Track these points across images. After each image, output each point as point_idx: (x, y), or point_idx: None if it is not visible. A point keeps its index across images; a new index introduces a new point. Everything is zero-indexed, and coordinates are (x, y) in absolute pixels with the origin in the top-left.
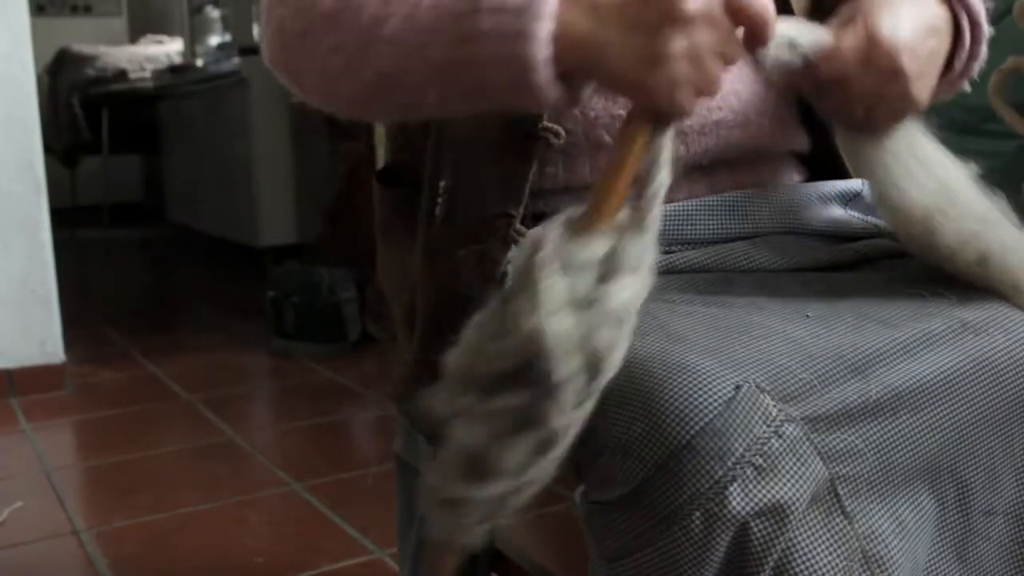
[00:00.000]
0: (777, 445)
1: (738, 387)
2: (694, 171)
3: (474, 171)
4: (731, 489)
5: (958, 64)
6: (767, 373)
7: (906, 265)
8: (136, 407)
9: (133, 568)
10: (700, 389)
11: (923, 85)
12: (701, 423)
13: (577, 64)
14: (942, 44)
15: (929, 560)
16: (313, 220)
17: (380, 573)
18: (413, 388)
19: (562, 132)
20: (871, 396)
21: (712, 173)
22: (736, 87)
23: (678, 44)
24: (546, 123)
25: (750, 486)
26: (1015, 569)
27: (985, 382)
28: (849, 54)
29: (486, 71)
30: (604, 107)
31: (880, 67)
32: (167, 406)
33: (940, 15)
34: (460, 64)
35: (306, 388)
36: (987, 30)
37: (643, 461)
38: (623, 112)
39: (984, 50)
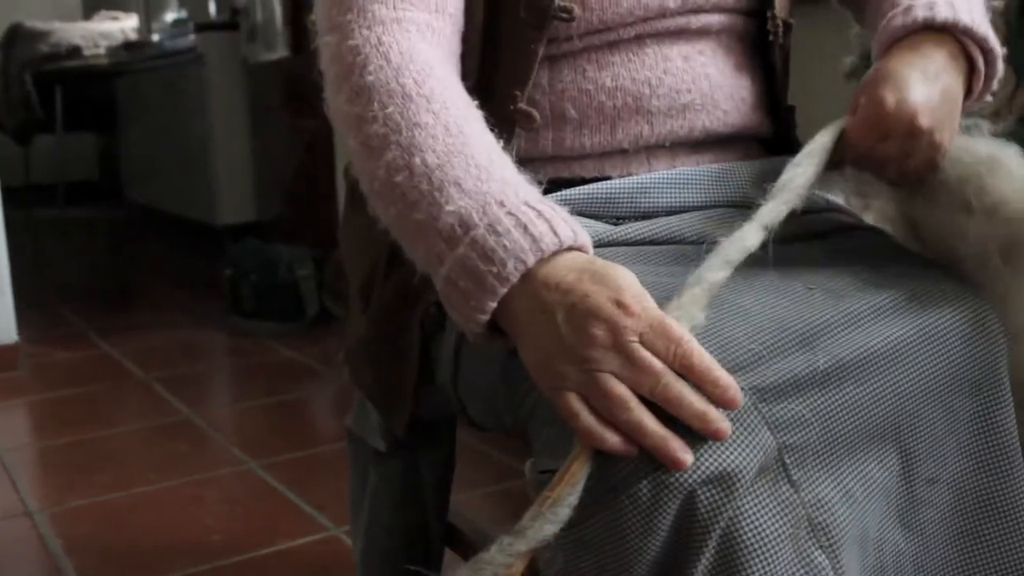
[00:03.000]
0: (725, 414)
1: None
2: (657, 150)
3: None
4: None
5: (976, 89)
6: (715, 343)
7: (855, 239)
8: (91, 387)
9: (87, 548)
10: None
11: (945, 129)
12: None
13: (504, 331)
14: (956, 81)
15: (879, 527)
16: (272, 198)
17: (336, 550)
18: (369, 353)
19: (536, 117)
20: (818, 366)
21: (675, 154)
22: (708, 70)
23: (576, 380)
24: (520, 105)
25: (697, 454)
26: (955, 537)
27: (930, 353)
28: (861, 137)
29: (438, 273)
30: (573, 80)
31: (898, 134)
32: (123, 386)
33: (946, 55)
34: (427, 257)
35: (264, 366)
36: (998, 49)
37: None
38: (591, 87)
39: (1000, 67)
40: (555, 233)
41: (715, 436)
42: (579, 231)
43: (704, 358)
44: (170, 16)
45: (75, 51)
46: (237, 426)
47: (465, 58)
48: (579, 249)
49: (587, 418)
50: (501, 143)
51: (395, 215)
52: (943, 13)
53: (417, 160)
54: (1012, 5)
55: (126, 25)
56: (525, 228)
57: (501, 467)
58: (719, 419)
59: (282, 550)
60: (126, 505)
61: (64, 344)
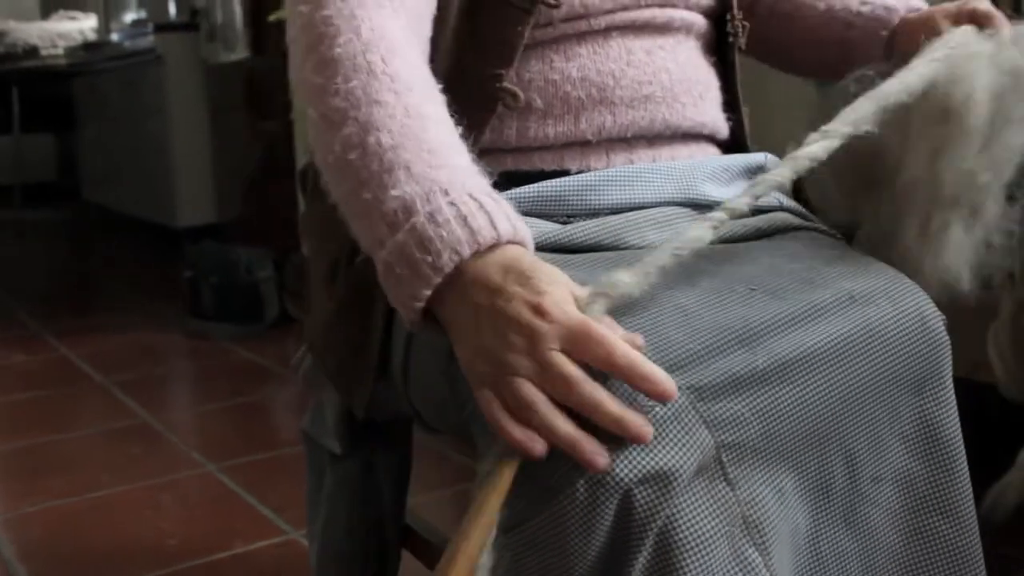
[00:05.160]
0: (662, 413)
1: None
2: (616, 143)
3: None
4: (614, 456)
5: None
6: (654, 343)
7: (798, 239)
8: (48, 390)
9: (42, 554)
10: None
11: None
12: None
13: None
14: None
15: (814, 526)
16: (232, 199)
17: (294, 553)
18: (333, 335)
19: (520, 95)
20: (757, 366)
21: (632, 148)
22: (668, 64)
23: (493, 382)
24: (505, 84)
25: (634, 453)
26: (904, 533)
27: (871, 351)
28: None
29: (378, 256)
30: (540, 70)
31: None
32: (81, 389)
33: None
34: (370, 239)
35: (223, 369)
36: None
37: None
38: (558, 77)
39: None
40: (494, 227)
41: (636, 440)
42: (519, 226)
43: (629, 355)
44: (129, 16)
45: (32, 51)
46: (196, 429)
47: (439, 39)
48: (519, 243)
49: (503, 417)
50: (462, 129)
51: (345, 192)
52: None
53: (372, 139)
54: None
55: (84, 25)
56: (465, 220)
57: (458, 468)
58: (638, 423)
59: (239, 553)
60: (81, 510)
61: (21, 347)
